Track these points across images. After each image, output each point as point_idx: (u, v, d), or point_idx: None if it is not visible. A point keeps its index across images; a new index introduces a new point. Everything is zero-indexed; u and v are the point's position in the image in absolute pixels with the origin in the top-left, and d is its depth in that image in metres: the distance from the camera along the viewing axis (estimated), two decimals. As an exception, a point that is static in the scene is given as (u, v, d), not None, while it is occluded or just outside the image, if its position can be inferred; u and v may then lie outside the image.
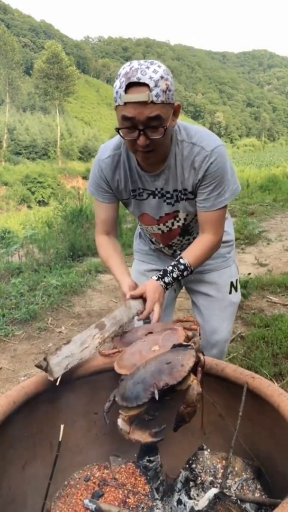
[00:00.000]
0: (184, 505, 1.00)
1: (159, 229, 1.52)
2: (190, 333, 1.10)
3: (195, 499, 0.99)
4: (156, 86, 1.11)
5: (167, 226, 1.51)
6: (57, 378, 1.03)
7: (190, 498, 1.00)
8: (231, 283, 1.67)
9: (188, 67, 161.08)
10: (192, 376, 0.94)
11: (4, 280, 4.30)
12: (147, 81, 1.10)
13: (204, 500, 0.93)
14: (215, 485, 0.99)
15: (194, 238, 1.55)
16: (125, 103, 1.13)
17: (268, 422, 1.03)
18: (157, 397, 0.89)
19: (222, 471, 1.03)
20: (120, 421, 0.96)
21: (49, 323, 3.48)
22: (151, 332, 1.17)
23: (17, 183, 30.67)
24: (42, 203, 28.58)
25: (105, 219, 1.52)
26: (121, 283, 1.43)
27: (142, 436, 0.94)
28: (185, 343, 1.02)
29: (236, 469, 1.03)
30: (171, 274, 1.35)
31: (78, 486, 1.05)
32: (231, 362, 2.60)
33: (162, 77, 1.12)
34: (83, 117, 79.47)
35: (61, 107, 55.35)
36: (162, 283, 1.34)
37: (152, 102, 1.11)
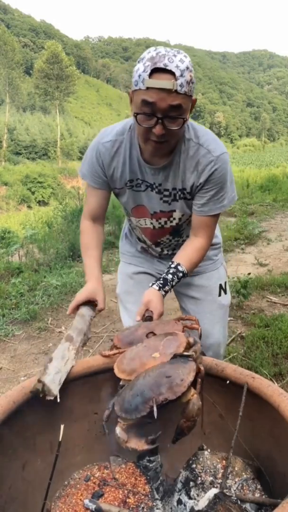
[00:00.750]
0: (184, 505, 1.00)
1: (151, 223, 1.48)
2: (191, 339, 1.08)
3: (195, 499, 0.99)
4: (181, 75, 1.09)
5: (160, 223, 1.47)
6: (57, 396, 1.03)
7: (190, 498, 1.00)
8: (220, 286, 1.66)
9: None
10: (192, 391, 0.94)
11: (4, 280, 4.29)
12: (173, 69, 1.08)
13: (204, 500, 0.93)
14: (215, 485, 0.99)
15: (183, 240, 1.54)
16: (148, 88, 1.09)
17: (268, 422, 1.03)
18: (155, 415, 0.89)
19: (222, 471, 1.03)
20: (118, 430, 0.96)
21: (49, 323, 3.48)
22: (151, 332, 1.17)
23: (17, 183, 30.66)
24: (42, 203, 28.57)
25: (94, 206, 1.48)
26: (85, 286, 1.41)
27: (138, 444, 0.94)
28: (185, 354, 1.00)
29: (236, 469, 1.03)
30: (171, 282, 1.35)
31: (78, 486, 1.05)
32: (231, 362, 2.60)
33: (187, 68, 1.10)
34: (83, 117, 79.47)
35: (61, 107, 55.33)
36: (163, 292, 1.33)
37: (176, 91, 1.09)
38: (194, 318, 1.26)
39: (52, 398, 1.03)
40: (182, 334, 1.10)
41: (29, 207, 26.32)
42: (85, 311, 1.34)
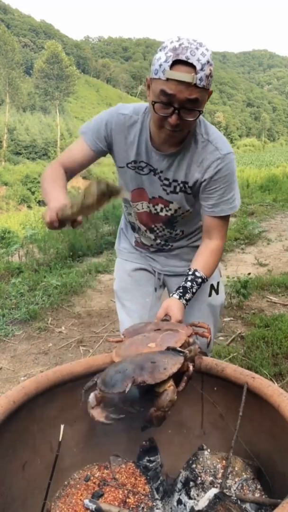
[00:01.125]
0: (184, 505, 1.00)
1: (148, 207, 1.48)
2: (191, 340, 1.09)
3: (195, 499, 0.99)
4: (202, 69, 1.10)
5: (156, 209, 1.48)
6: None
7: (190, 498, 1.00)
8: (212, 286, 1.65)
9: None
10: (171, 382, 0.94)
11: (4, 280, 4.29)
12: (194, 63, 1.08)
13: (204, 500, 0.93)
14: (215, 485, 0.99)
15: (176, 234, 1.56)
16: (168, 79, 1.10)
17: (268, 422, 1.03)
18: (127, 390, 0.91)
19: (222, 471, 1.03)
20: (92, 395, 1.01)
21: (49, 323, 3.48)
22: (159, 329, 1.18)
23: (17, 183, 30.69)
24: (42, 203, 28.54)
25: (74, 158, 1.40)
26: (53, 197, 1.21)
27: (98, 415, 0.98)
28: (179, 349, 1.01)
29: (236, 469, 1.03)
30: (191, 290, 1.34)
31: (78, 486, 1.05)
32: (231, 362, 2.60)
33: (208, 62, 1.11)
34: (83, 117, 79.39)
35: (61, 107, 55.37)
36: (184, 301, 1.33)
37: (195, 84, 1.10)
38: (207, 326, 1.25)
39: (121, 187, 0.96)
40: (184, 332, 1.11)
41: (29, 207, 26.35)
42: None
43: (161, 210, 1.47)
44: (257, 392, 1.04)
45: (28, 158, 44.89)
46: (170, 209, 1.46)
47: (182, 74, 1.09)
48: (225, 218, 1.41)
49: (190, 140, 1.32)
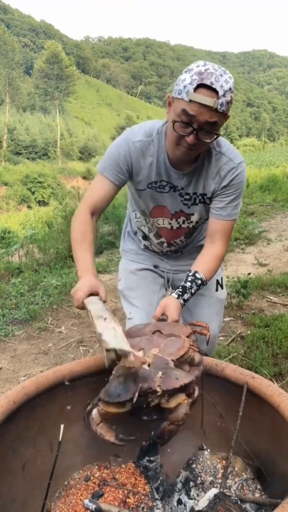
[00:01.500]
0: (184, 505, 1.00)
1: (170, 223, 1.54)
2: (197, 358, 1.08)
3: (195, 499, 0.99)
4: (223, 95, 1.16)
5: (178, 223, 1.53)
6: (127, 350, 0.95)
7: (190, 498, 1.00)
8: (217, 281, 1.72)
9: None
10: (185, 396, 0.94)
11: (4, 280, 4.29)
12: (218, 88, 1.14)
13: (204, 500, 0.93)
14: (215, 485, 0.99)
15: (191, 241, 1.65)
16: (191, 101, 1.16)
17: (268, 422, 1.03)
18: (134, 399, 0.89)
19: (222, 471, 1.03)
20: (95, 412, 0.98)
21: (49, 323, 3.48)
22: (158, 331, 1.17)
23: (17, 183, 30.69)
24: (42, 203, 28.61)
25: (100, 196, 1.41)
26: (82, 280, 1.27)
27: (107, 434, 0.96)
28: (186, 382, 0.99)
29: (236, 469, 1.03)
30: (190, 290, 1.36)
31: (78, 486, 1.05)
32: (231, 362, 2.60)
33: (230, 89, 1.17)
34: (83, 117, 79.47)
35: (61, 107, 55.39)
36: (182, 301, 1.35)
37: (215, 109, 1.17)
38: (205, 324, 1.26)
39: (129, 351, 0.95)
40: (187, 339, 1.11)
41: (29, 207, 26.36)
42: (93, 298, 1.24)
43: (183, 222, 1.53)
44: (257, 392, 1.04)
45: (28, 158, 44.91)
46: (191, 221, 1.53)
47: (205, 98, 1.15)
48: (230, 223, 1.46)
49: (204, 155, 1.39)
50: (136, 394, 0.90)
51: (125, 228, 1.82)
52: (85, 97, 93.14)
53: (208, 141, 1.25)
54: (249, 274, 4.01)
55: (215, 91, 1.14)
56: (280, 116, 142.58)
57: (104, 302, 1.26)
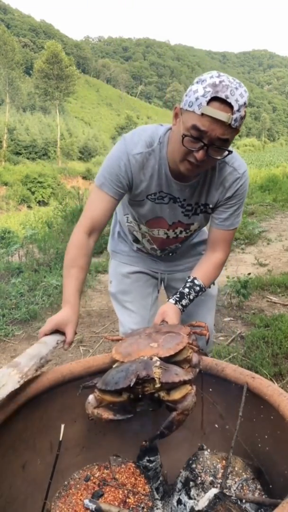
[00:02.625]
0: (184, 505, 1.00)
1: (166, 233, 1.49)
2: (195, 359, 1.07)
3: (195, 499, 0.99)
4: (238, 110, 1.08)
5: (175, 233, 1.49)
6: None
7: (190, 498, 1.00)
8: None
9: (188, 67, 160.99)
10: (190, 386, 0.95)
11: (4, 280, 4.29)
12: (233, 103, 1.07)
13: (204, 500, 0.93)
14: (215, 485, 0.99)
15: (187, 245, 1.62)
16: (203, 114, 1.08)
17: (268, 422, 1.03)
18: (132, 384, 0.90)
19: (222, 471, 1.03)
20: (91, 396, 1.00)
21: (49, 323, 3.48)
22: (158, 331, 1.18)
23: (17, 183, 30.68)
24: (42, 203, 28.59)
25: (99, 212, 1.33)
26: (59, 312, 1.26)
27: (105, 413, 0.97)
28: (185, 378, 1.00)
29: (236, 469, 1.03)
30: (188, 296, 1.35)
31: (78, 486, 1.05)
32: (231, 362, 2.60)
33: (244, 104, 1.10)
34: (83, 117, 79.46)
35: (61, 107, 55.39)
36: (180, 306, 1.33)
37: (229, 125, 1.09)
38: (204, 324, 1.26)
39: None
40: (185, 336, 1.11)
41: (29, 207, 26.35)
42: (49, 339, 1.20)
43: (181, 232, 1.49)
44: (257, 392, 1.04)
45: (28, 158, 44.88)
46: (190, 230, 1.49)
47: (219, 112, 1.07)
48: (232, 232, 1.44)
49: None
50: (134, 380, 0.91)
51: (113, 227, 1.74)
52: (85, 97, 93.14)
53: (218, 158, 1.17)
54: (249, 274, 4.01)
55: (229, 105, 1.06)
56: (280, 116, 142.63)
57: (69, 344, 1.24)
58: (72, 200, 7.27)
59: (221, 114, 1.07)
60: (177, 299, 1.34)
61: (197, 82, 1.11)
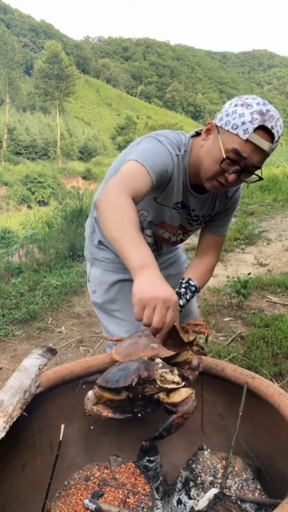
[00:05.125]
0: (184, 505, 1.00)
1: (169, 236, 1.49)
2: (195, 362, 1.07)
3: (195, 499, 0.99)
4: (276, 141, 1.12)
5: (175, 236, 1.49)
6: None
7: (190, 498, 1.00)
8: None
9: (188, 67, 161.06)
10: (190, 390, 0.94)
11: (4, 280, 4.30)
12: (275, 134, 1.10)
13: (204, 500, 0.93)
14: (215, 485, 0.99)
15: (175, 248, 1.64)
16: (247, 140, 1.09)
17: (268, 422, 1.03)
18: (133, 384, 0.91)
19: (222, 471, 1.03)
20: (90, 392, 1.00)
21: (49, 323, 3.48)
22: None
23: (17, 183, 30.70)
24: (42, 203, 28.60)
25: (139, 193, 1.09)
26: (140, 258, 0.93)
27: (105, 411, 0.97)
28: (185, 375, 1.00)
29: (236, 469, 1.03)
30: (184, 296, 1.36)
31: (78, 486, 1.05)
32: (231, 362, 2.60)
33: (281, 135, 1.14)
34: (83, 117, 79.45)
35: (61, 107, 55.35)
36: (178, 306, 1.33)
37: (267, 154, 1.12)
38: (202, 322, 1.26)
39: None
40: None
41: (29, 207, 26.35)
42: (29, 363, 1.11)
43: (178, 235, 1.50)
44: (257, 392, 1.04)
45: (28, 158, 44.88)
46: (187, 235, 1.52)
47: (263, 141, 1.09)
48: (225, 236, 1.50)
49: None
50: (136, 380, 0.91)
51: (91, 234, 1.61)
52: (85, 97, 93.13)
53: (245, 180, 1.20)
54: (249, 274, 4.01)
55: (272, 136, 1.09)
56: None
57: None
58: (72, 200, 7.26)
59: (265, 144, 1.09)
60: None
61: (242, 105, 1.10)
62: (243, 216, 7.29)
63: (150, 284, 0.88)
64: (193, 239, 3.05)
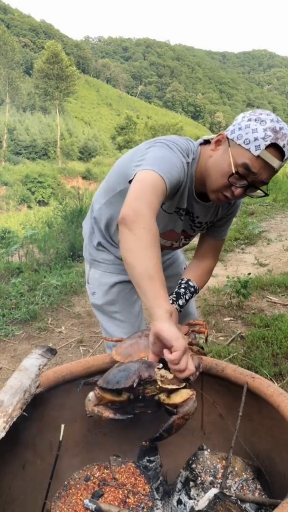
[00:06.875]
0: (184, 505, 1.00)
1: (171, 243, 1.49)
2: (196, 363, 1.06)
3: (195, 499, 0.99)
4: (285, 160, 1.12)
5: (178, 242, 1.50)
6: None
7: (190, 498, 1.00)
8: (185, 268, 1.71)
9: (188, 67, 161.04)
10: (191, 391, 0.94)
11: (4, 280, 4.30)
12: (286, 153, 1.10)
13: (204, 500, 0.93)
14: (215, 485, 0.99)
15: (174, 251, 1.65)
16: (258, 156, 1.09)
17: (268, 422, 1.03)
18: (135, 385, 0.91)
19: (222, 471, 1.03)
20: (91, 394, 1.00)
21: (49, 323, 3.48)
22: None
23: (17, 183, 30.70)
24: (42, 203, 28.60)
25: (159, 203, 1.07)
26: (160, 307, 0.93)
27: (106, 411, 0.97)
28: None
29: (236, 469, 1.03)
30: (184, 296, 1.36)
31: (78, 486, 1.05)
32: (231, 362, 2.60)
33: None
34: (83, 117, 79.48)
35: (61, 107, 55.37)
36: (177, 306, 1.33)
37: (276, 171, 1.13)
38: (202, 322, 1.27)
39: None
40: (185, 336, 1.11)
41: (29, 207, 26.33)
42: (29, 363, 1.11)
43: (180, 240, 1.50)
44: (257, 392, 1.04)
45: (28, 158, 44.88)
46: (189, 240, 1.52)
47: (273, 159, 1.09)
48: (224, 240, 1.52)
49: None
50: (136, 381, 0.91)
51: (90, 235, 1.59)
52: (85, 97, 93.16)
53: (250, 194, 1.20)
54: (249, 274, 4.01)
55: (283, 154, 1.09)
56: (280, 116, 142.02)
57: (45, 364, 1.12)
58: (72, 200, 7.26)
59: (275, 161, 1.09)
60: (174, 299, 1.34)
61: (255, 120, 1.10)
62: (243, 216, 7.29)
63: (179, 334, 0.91)
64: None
